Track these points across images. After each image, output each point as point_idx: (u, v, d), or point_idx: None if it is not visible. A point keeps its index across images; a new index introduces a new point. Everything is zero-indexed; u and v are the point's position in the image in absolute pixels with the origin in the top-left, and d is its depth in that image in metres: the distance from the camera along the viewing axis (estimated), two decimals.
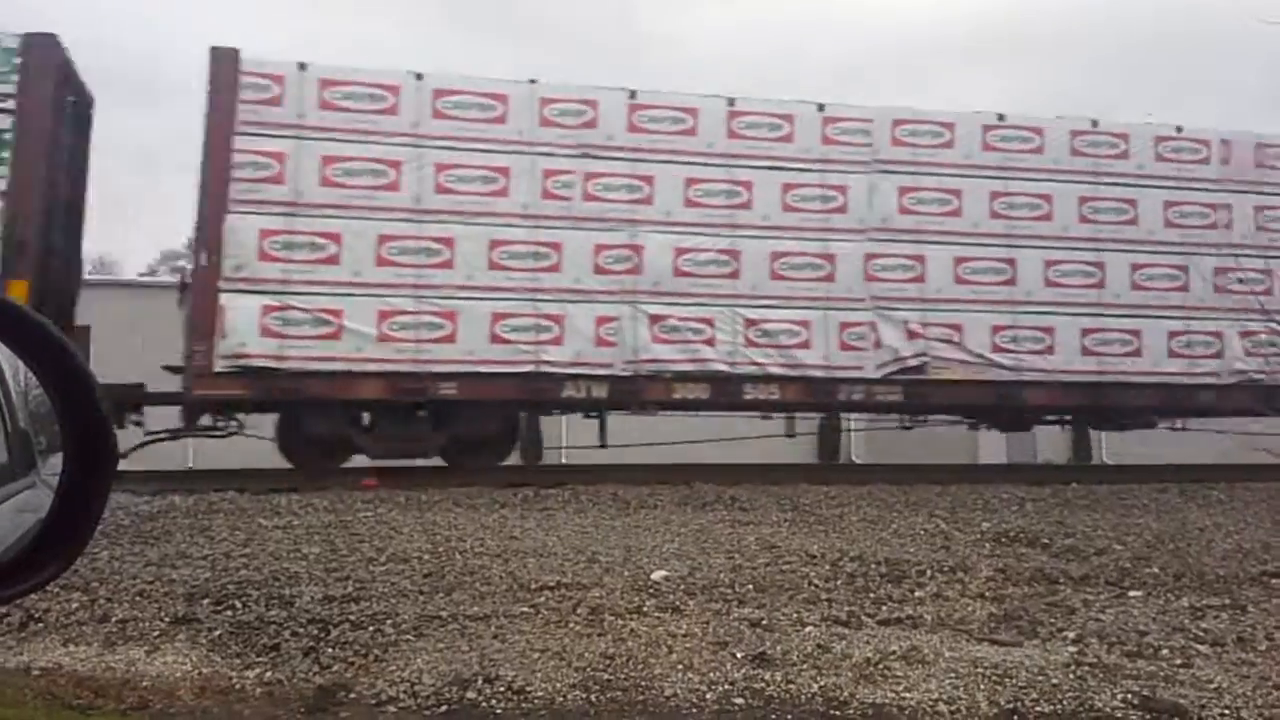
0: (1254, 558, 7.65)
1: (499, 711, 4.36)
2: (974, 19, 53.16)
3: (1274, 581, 6.90)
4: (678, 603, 5.95)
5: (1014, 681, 4.62)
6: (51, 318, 1.61)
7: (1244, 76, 45.88)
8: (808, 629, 5.47)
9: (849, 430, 18.27)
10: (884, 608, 6.00)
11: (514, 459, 13.16)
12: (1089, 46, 54.40)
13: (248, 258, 10.90)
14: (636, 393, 12.02)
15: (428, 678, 4.67)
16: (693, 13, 53.02)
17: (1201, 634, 5.56)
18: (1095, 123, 13.52)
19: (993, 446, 18.52)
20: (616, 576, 6.55)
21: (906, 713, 4.32)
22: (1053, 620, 5.76)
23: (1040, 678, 4.67)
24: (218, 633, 5.37)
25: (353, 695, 4.53)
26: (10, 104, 10.50)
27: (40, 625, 5.48)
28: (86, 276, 13.87)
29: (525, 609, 5.77)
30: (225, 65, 11.20)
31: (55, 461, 1.55)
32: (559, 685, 4.57)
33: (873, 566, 6.99)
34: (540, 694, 4.49)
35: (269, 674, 4.80)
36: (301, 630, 5.35)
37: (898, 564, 7.08)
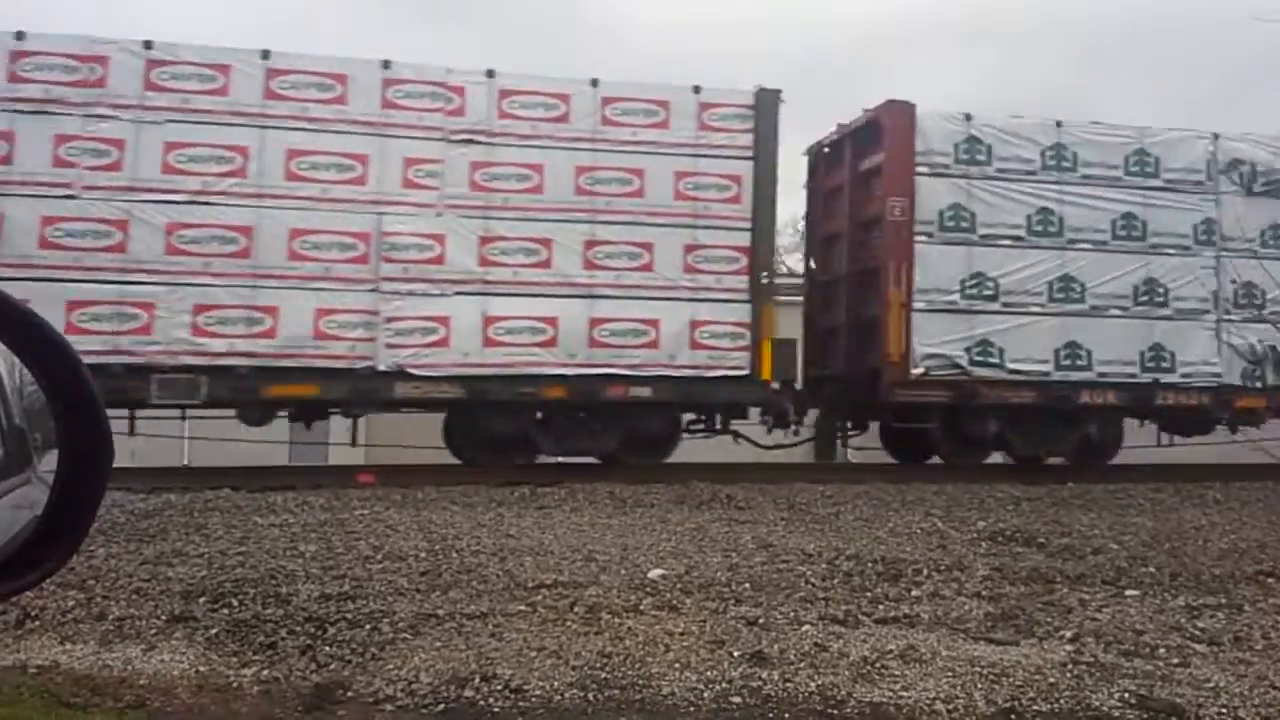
0: (1250, 557, 7.66)
1: (496, 710, 4.35)
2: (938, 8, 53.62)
3: (1270, 580, 6.90)
4: (675, 601, 5.95)
5: (1011, 680, 4.63)
6: None
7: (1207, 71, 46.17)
8: (805, 628, 5.47)
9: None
10: (881, 606, 6.00)
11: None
12: (1065, 38, 54.71)
13: None
14: None
15: (425, 676, 4.66)
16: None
17: (1198, 633, 5.56)
18: (450, 71, 11.80)
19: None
20: (613, 575, 6.55)
21: (904, 711, 4.32)
22: (1049, 619, 5.76)
23: (1037, 677, 4.67)
24: (214, 631, 5.36)
25: (350, 693, 4.52)
26: None
27: (37, 623, 5.46)
28: None
29: (522, 607, 5.76)
30: None
31: (51, 458, 1.54)
32: (556, 684, 4.56)
33: (869, 565, 6.99)
34: (538, 692, 4.49)
35: (266, 672, 4.79)
36: (298, 628, 5.34)
37: (894, 563, 7.09)
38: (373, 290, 11.32)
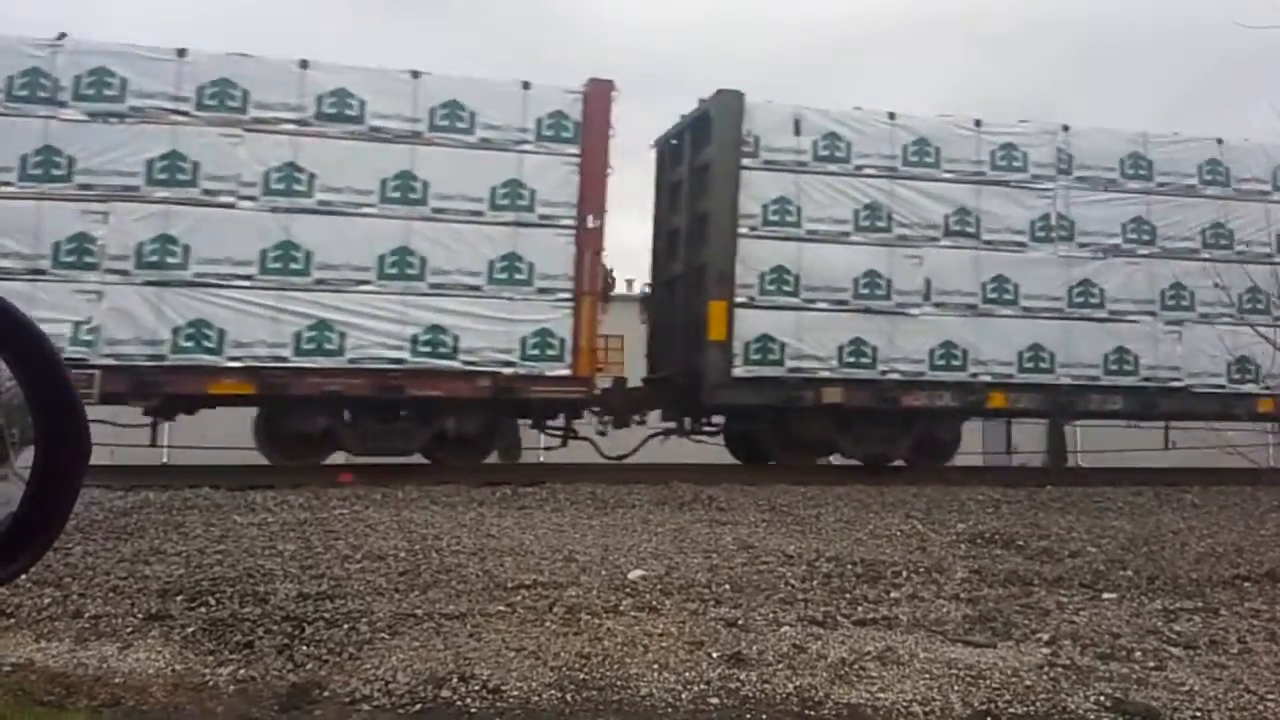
0: (1227, 561, 7.72)
1: (474, 710, 4.34)
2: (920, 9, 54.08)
3: (1246, 585, 6.95)
4: (654, 602, 5.95)
5: (987, 683, 4.64)
6: None
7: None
8: (783, 629, 5.48)
9: None
10: (860, 608, 6.01)
11: (492, 457, 13.22)
12: (1047, 43, 55.24)
13: None
14: None
15: (402, 676, 4.64)
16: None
17: (1174, 637, 5.60)
18: None
19: (968, 449, 18.58)
20: (593, 575, 6.54)
21: (881, 713, 4.33)
22: (1027, 622, 5.79)
23: (1014, 679, 4.69)
24: (191, 630, 5.33)
25: (326, 693, 4.50)
26: None
27: (11, 621, 5.42)
28: None
29: (501, 607, 5.75)
30: None
31: (28, 454, 1.54)
32: (534, 684, 4.55)
33: (849, 567, 7.01)
34: (515, 693, 4.47)
35: (242, 671, 4.76)
36: (276, 628, 5.32)
37: (874, 565, 7.10)
38: None
